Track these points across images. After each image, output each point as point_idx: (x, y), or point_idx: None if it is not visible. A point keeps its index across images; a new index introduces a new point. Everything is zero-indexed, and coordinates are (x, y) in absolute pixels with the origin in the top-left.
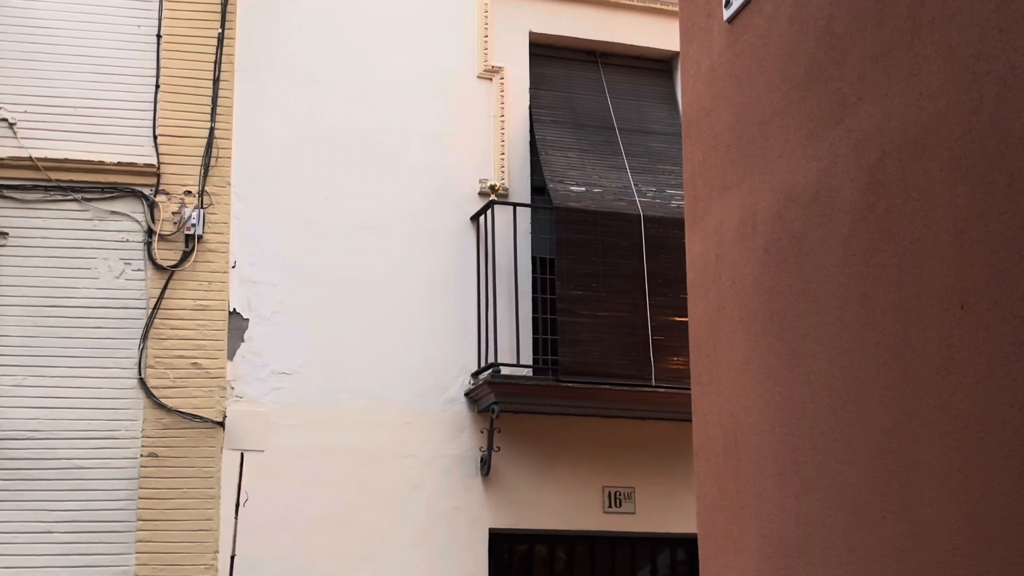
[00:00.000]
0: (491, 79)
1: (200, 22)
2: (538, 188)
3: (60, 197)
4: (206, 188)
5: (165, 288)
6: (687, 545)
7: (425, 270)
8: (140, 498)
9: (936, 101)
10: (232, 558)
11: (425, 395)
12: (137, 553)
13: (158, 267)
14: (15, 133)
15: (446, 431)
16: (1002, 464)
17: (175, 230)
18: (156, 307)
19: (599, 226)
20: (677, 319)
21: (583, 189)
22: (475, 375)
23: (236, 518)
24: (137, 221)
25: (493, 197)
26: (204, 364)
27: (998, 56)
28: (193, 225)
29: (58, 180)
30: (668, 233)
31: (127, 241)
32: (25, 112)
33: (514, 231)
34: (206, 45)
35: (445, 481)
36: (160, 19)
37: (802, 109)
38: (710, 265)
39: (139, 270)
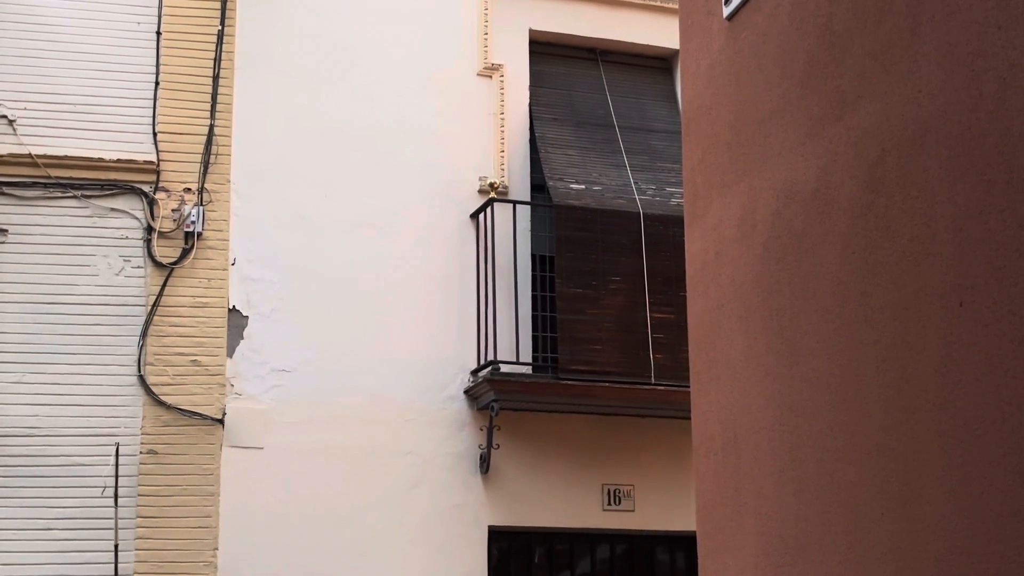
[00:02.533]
0: (491, 76)
1: (200, 19)
2: (538, 186)
3: (60, 194)
4: (206, 185)
5: (164, 285)
6: (686, 543)
7: (425, 268)
8: (139, 495)
9: (935, 99)
10: None
11: (425, 393)
12: (136, 550)
13: (158, 264)
14: (15, 130)
15: (446, 429)
16: (1000, 461)
17: (175, 227)
18: (155, 304)
19: (599, 224)
20: (677, 317)
21: (583, 187)
22: (474, 373)
23: None
24: (137, 218)
25: (493, 195)
26: (203, 361)
27: (997, 54)
28: (193, 222)
29: (58, 177)
30: (668, 231)
31: (126, 238)
32: (25, 109)
33: (514, 229)
34: (206, 42)
35: (445, 479)
36: (160, 16)
37: (802, 107)
38: (709, 263)
39: (139, 267)
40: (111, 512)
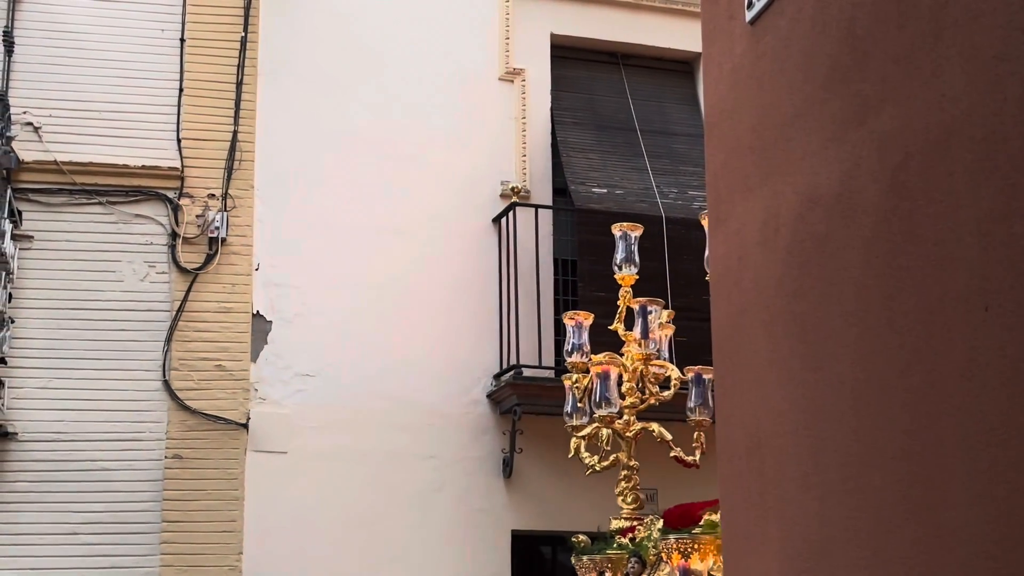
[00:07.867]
0: (512, 81)
1: (223, 26)
2: (560, 190)
3: (85, 200)
4: (229, 191)
5: (189, 291)
6: None
7: (447, 272)
8: (164, 499)
9: (959, 103)
10: None
11: (447, 397)
12: (162, 554)
13: (182, 270)
14: (40, 137)
15: (468, 433)
16: None
17: (199, 233)
18: (180, 309)
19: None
20: (699, 321)
21: (605, 191)
22: (497, 377)
23: None
24: (161, 224)
25: (515, 199)
26: (228, 366)
27: (1021, 58)
28: (217, 228)
29: (83, 183)
30: (690, 235)
31: (151, 244)
32: (50, 116)
33: (536, 233)
34: (229, 49)
35: (467, 483)
36: (184, 23)
37: (824, 111)
38: (732, 267)
39: (163, 273)
40: (136, 516)
